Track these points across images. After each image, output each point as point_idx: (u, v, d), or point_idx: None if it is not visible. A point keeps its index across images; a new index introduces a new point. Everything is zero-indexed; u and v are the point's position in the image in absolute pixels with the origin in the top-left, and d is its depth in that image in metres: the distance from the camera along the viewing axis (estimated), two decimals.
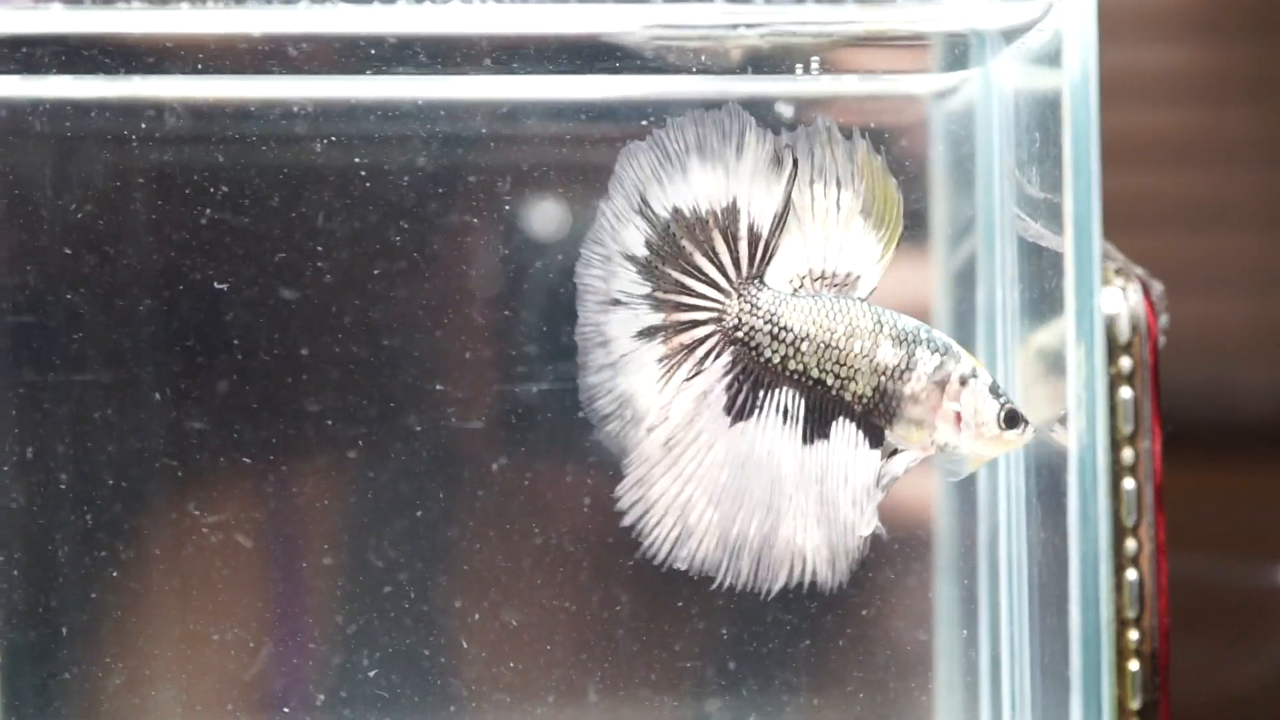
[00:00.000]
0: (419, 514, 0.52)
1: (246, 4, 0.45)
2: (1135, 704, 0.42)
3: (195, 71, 0.49)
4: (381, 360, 0.52)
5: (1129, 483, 0.42)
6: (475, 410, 0.52)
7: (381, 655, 0.52)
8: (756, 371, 0.45)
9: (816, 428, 0.45)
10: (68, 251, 0.51)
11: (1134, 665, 0.42)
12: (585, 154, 0.52)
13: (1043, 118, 0.44)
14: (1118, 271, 0.42)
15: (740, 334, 0.45)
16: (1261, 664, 0.79)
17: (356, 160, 0.51)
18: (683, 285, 0.45)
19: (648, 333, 0.45)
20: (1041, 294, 0.45)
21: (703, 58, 0.49)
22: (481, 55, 0.49)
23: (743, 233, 0.45)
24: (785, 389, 0.45)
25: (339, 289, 0.51)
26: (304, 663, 0.53)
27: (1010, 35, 0.46)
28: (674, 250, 0.45)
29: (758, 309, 0.45)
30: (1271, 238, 0.89)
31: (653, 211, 0.45)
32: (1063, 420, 0.42)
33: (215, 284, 0.51)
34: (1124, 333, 0.42)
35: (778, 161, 0.45)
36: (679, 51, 0.49)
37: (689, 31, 0.47)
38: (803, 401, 0.45)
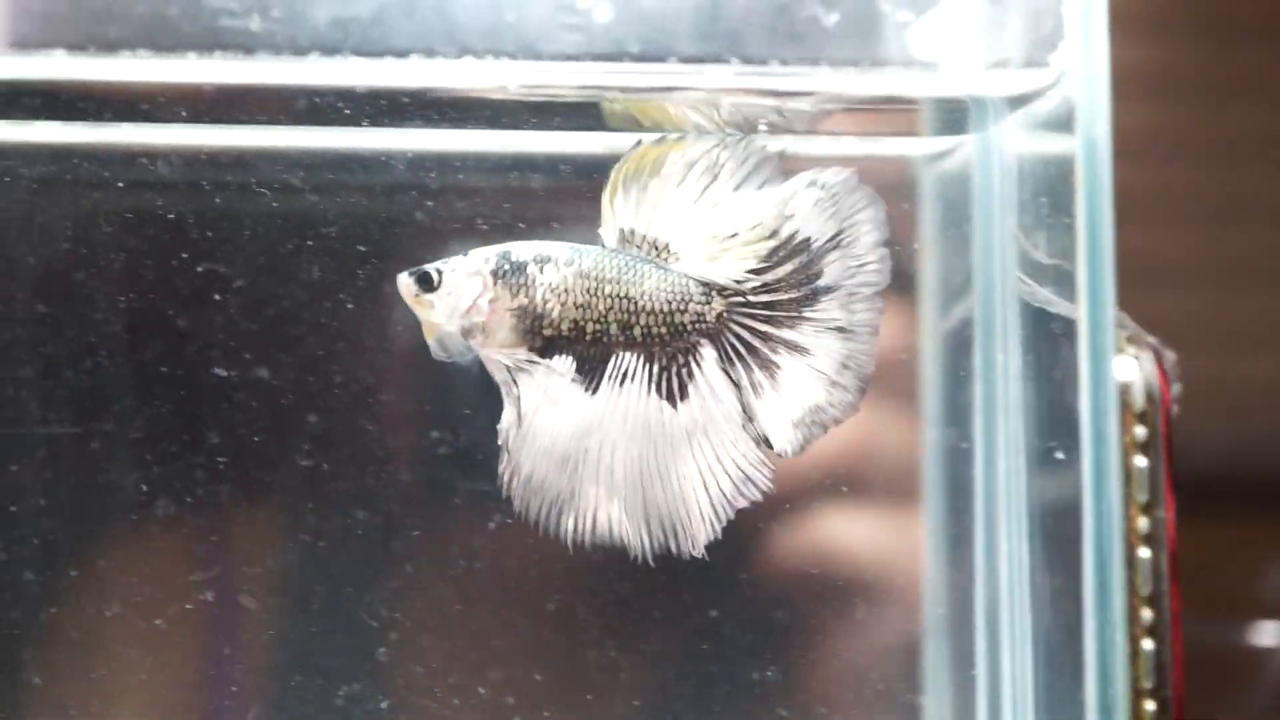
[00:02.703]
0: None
1: (214, 54, 0.44)
2: None
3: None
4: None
5: (1144, 551, 0.41)
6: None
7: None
8: None
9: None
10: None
11: None
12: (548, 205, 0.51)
13: (1050, 183, 0.43)
14: (1130, 339, 0.42)
15: None
16: None
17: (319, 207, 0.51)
18: None
19: None
20: (1047, 359, 0.45)
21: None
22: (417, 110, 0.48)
23: None
24: None
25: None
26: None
27: (1015, 102, 0.46)
28: None
29: None
30: None
31: None
32: None
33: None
34: (1138, 401, 0.41)
35: None
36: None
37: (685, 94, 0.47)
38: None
